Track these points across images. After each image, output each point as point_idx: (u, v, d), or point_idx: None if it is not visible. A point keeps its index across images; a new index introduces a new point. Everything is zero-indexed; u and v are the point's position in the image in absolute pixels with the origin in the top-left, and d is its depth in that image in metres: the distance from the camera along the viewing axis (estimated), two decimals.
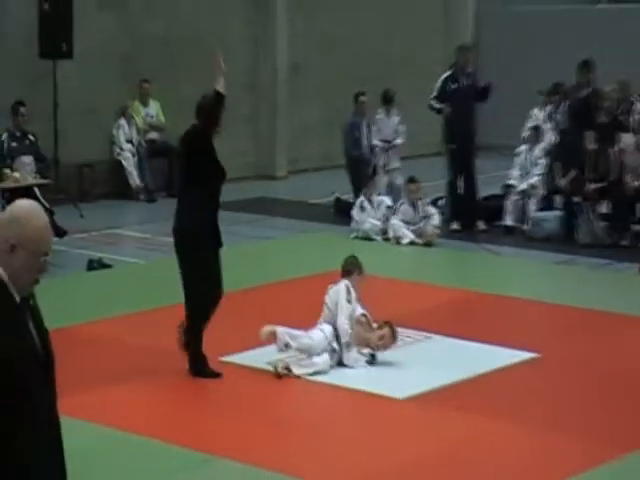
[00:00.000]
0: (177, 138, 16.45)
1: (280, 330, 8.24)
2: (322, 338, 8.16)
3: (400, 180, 13.92)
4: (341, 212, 13.93)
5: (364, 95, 14.50)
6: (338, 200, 14.45)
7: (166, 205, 15.02)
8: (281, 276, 10.96)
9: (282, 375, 7.98)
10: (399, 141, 14.51)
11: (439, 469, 6.53)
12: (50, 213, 11.89)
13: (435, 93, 13.50)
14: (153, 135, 15.79)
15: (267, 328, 8.30)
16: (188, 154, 8.17)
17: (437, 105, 13.38)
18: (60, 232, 11.95)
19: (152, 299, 10.15)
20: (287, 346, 8.16)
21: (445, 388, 7.83)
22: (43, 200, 11.81)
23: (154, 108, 15.75)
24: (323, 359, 8.12)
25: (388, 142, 14.29)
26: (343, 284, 8.37)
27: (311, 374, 8.03)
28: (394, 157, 14.46)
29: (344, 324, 8.22)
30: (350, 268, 8.51)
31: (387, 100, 14.41)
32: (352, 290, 8.36)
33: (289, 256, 12.18)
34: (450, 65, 13.93)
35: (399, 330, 8.69)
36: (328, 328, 8.25)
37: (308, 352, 8.10)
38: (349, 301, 8.31)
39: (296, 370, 8.02)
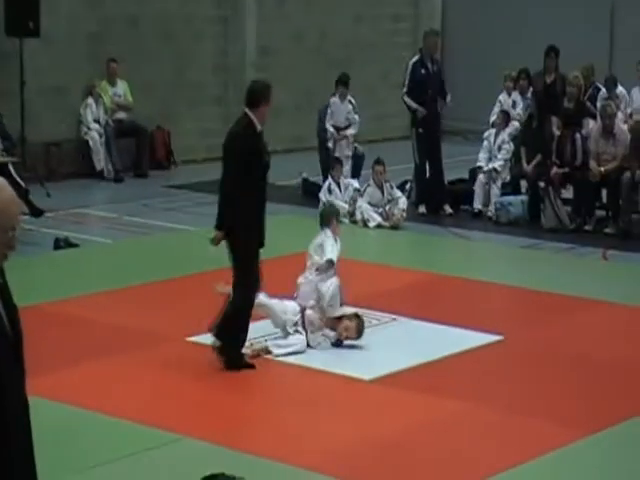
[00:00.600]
0: (145, 118, 16.49)
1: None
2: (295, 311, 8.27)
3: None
4: (309, 194, 13.97)
5: (345, 85, 14.50)
6: (305, 181, 14.49)
7: (133, 185, 15.02)
8: None
9: (259, 355, 8.03)
10: (351, 132, 14.17)
11: (405, 449, 6.61)
12: (25, 192, 11.83)
13: (406, 88, 13.47)
14: (121, 115, 15.74)
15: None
16: (242, 153, 7.91)
17: (413, 104, 13.36)
18: (36, 212, 11.89)
19: (119, 278, 10.15)
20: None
21: (411, 370, 7.91)
22: (19, 179, 11.76)
23: (122, 88, 15.70)
24: (300, 339, 8.17)
25: (339, 129, 14.08)
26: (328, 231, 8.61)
27: (289, 353, 8.08)
28: (345, 146, 14.15)
29: (325, 286, 8.33)
30: (329, 217, 8.77)
31: (342, 82, 14.02)
32: (338, 239, 8.67)
33: None
34: (419, 49, 13.99)
35: (366, 312, 8.78)
36: (293, 307, 8.30)
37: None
38: (335, 240, 8.63)
39: (276, 350, 8.08)
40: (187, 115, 16.55)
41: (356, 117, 14.01)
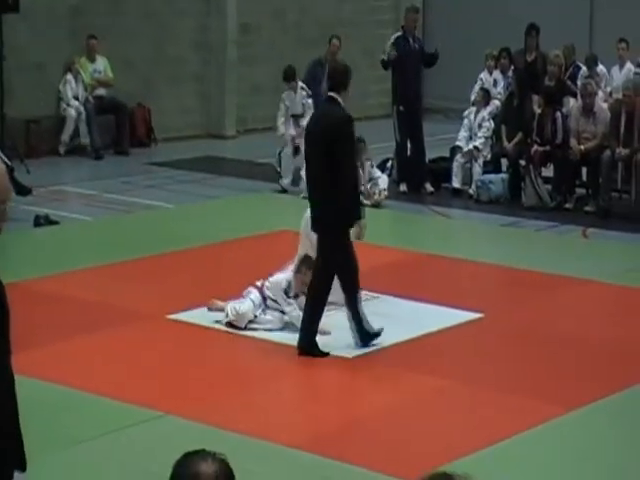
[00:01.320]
0: (125, 95, 16.37)
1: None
2: (250, 309, 8.19)
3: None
4: None
5: (337, 39, 14.38)
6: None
7: (113, 162, 14.95)
8: (228, 235, 10.98)
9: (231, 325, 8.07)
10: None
11: (388, 426, 6.64)
12: (11, 170, 11.73)
13: (385, 56, 13.45)
14: (101, 91, 15.64)
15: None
16: (337, 140, 7.62)
17: (384, 56, 13.33)
18: (24, 190, 11.79)
19: (99, 256, 10.13)
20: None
21: (392, 347, 7.93)
22: (3, 156, 11.67)
23: (102, 64, 15.59)
24: (273, 316, 8.17)
25: (298, 117, 13.47)
26: None
27: (266, 330, 8.09)
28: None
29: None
30: None
31: (288, 78, 13.48)
32: None
33: (237, 215, 12.19)
34: (401, 26, 13.96)
35: None
36: (257, 296, 8.27)
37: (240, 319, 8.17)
38: None
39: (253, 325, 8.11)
40: (167, 92, 16.47)
41: (309, 101, 13.39)
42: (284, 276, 8.32)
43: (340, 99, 7.81)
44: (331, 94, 7.84)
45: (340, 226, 7.70)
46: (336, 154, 7.55)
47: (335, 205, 7.62)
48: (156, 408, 6.74)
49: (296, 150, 13.03)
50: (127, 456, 6.19)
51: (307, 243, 8.43)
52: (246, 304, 8.18)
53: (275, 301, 8.25)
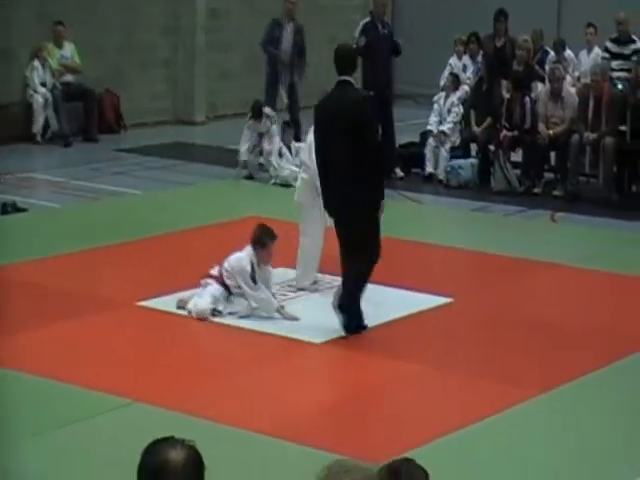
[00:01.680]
0: (93, 81, 16.23)
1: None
2: (208, 305, 8.12)
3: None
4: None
5: None
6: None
7: (82, 149, 14.85)
8: (198, 222, 10.95)
9: (206, 318, 8.03)
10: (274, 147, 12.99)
11: (357, 411, 6.66)
12: None
13: (355, 45, 13.43)
14: (68, 78, 15.52)
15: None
16: (360, 120, 7.66)
17: (353, 44, 13.29)
18: None
19: (68, 243, 10.07)
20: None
21: (362, 333, 7.94)
22: None
23: (69, 50, 15.46)
24: (240, 303, 8.15)
25: (262, 134, 13.07)
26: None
27: (237, 316, 8.07)
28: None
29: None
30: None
31: (255, 115, 13.00)
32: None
33: (206, 202, 12.15)
34: (370, 12, 13.94)
35: (318, 276, 8.81)
36: (217, 288, 8.20)
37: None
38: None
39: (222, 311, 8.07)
40: (136, 78, 16.37)
41: (274, 128, 12.99)
42: (245, 258, 8.11)
43: (352, 80, 7.87)
44: (343, 77, 7.86)
45: (373, 204, 7.81)
46: (362, 135, 7.64)
47: (366, 184, 7.72)
48: (125, 396, 6.72)
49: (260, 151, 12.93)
50: (96, 444, 6.18)
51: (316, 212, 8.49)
52: (204, 300, 8.05)
53: (239, 287, 8.17)
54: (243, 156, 13.02)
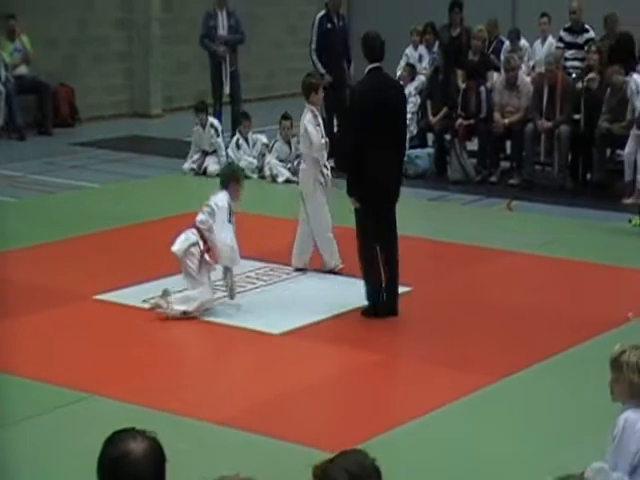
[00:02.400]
0: (47, 74, 16.06)
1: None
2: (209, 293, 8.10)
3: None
4: None
5: None
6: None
7: (36, 143, 14.73)
8: (154, 215, 10.91)
9: (159, 308, 7.98)
10: (215, 167, 12.61)
11: (319, 401, 6.68)
12: None
13: (314, 44, 13.37)
14: (22, 70, 15.36)
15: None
16: (404, 108, 8.16)
17: (320, 68, 13.25)
18: None
19: (24, 237, 9.99)
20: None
21: (321, 322, 7.96)
22: None
23: (22, 42, 15.29)
24: (200, 292, 8.09)
25: (207, 153, 12.93)
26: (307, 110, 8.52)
27: (195, 309, 8.03)
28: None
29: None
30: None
31: (198, 110, 12.91)
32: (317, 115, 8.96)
33: (163, 195, 12.11)
34: (325, 4, 13.92)
35: (276, 267, 8.81)
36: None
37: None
38: (318, 125, 8.83)
39: (176, 306, 8.02)
40: (91, 71, 16.25)
41: (219, 140, 12.88)
42: (224, 198, 8.05)
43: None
44: (376, 64, 8.01)
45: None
46: (403, 119, 8.14)
47: (401, 170, 8.32)
48: (83, 389, 6.69)
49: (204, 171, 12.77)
50: (55, 437, 6.14)
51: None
52: (200, 290, 7.98)
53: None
54: (187, 166, 12.92)
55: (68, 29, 15.94)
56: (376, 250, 8.08)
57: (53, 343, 7.56)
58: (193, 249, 7.98)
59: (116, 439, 2.86)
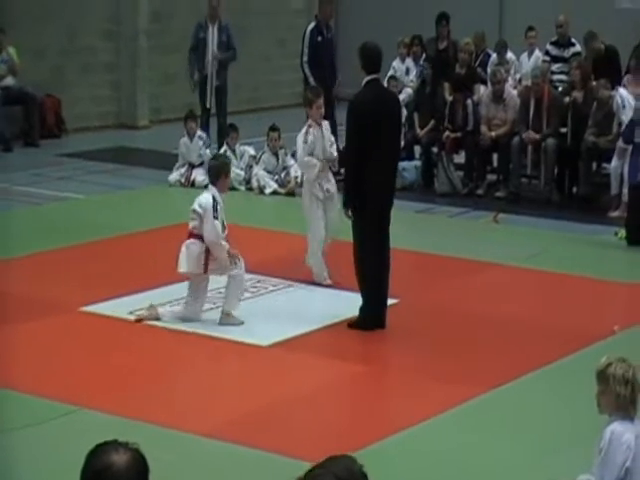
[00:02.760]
0: (34, 85, 16.00)
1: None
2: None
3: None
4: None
5: None
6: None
7: (23, 154, 14.68)
8: (142, 226, 10.89)
9: (145, 319, 7.97)
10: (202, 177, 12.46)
11: (307, 412, 6.67)
12: None
13: (306, 57, 13.39)
14: (8, 82, 15.33)
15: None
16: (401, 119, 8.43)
17: (311, 79, 13.27)
18: None
19: (11, 248, 9.94)
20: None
21: (308, 334, 7.96)
22: None
23: (9, 53, 15.25)
24: (189, 308, 8.11)
25: (194, 166, 12.93)
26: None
27: (180, 321, 8.01)
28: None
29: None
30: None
31: (186, 118, 12.93)
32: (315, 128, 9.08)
33: (150, 206, 12.09)
34: (315, 16, 13.95)
35: (263, 279, 8.80)
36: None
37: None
38: (306, 142, 8.98)
39: (165, 318, 8.01)
40: (78, 82, 16.23)
41: (207, 152, 12.83)
42: (207, 196, 8.06)
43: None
44: (374, 76, 8.09)
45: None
46: (400, 130, 8.36)
47: (395, 179, 8.55)
48: (71, 402, 6.65)
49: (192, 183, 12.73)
50: (42, 451, 6.11)
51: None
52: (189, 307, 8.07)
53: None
54: (174, 177, 12.87)
55: (55, 40, 15.93)
56: (374, 266, 8.07)
57: (39, 355, 7.52)
58: (201, 257, 8.01)
59: (99, 451, 2.85)
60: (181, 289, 8.56)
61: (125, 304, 8.39)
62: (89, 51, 16.39)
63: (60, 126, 15.90)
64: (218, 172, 8.20)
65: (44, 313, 8.21)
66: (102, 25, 16.53)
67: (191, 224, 8.11)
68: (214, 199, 8.03)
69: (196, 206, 8.07)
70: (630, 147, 11.02)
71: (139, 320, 8.00)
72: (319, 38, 13.38)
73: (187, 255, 8.05)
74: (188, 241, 8.10)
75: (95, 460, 2.82)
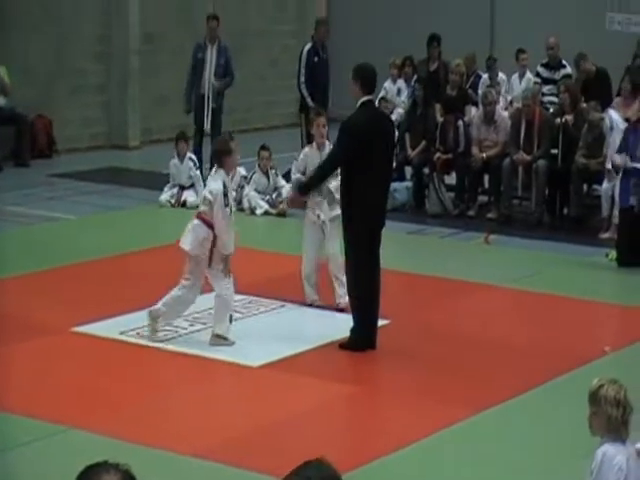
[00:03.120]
0: (25, 106, 16.00)
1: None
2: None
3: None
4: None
5: (214, 19, 13.97)
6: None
7: (14, 174, 14.67)
8: (133, 247, 10.88)
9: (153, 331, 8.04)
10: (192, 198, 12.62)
11: (297, 433, 6.64)
12: None
13: (303, 77, 13.43)
14: (0, 102, 15.34)
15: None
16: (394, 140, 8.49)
17: (309, 101, 13.29)
18: None
19: (1, 269, 9.91)
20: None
21: (300, 355, 7.94)
22: None
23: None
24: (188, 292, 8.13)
25: (184, 188, 12.94)
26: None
27: (170, 340, 7.99)
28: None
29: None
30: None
31: (178, 139, 13.03)
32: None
33: (141, 227, 12.08)
34: (311, 37, 13.98)
35: (255, 299, 8.78)
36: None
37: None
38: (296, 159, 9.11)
39: (164, 309, 8.07)
40: (69, 103, 16.24)
41: (197, 173, 12.82)
42: (217, 179, 8.13)
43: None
44: (369, 97, 8.13)
45: None
46: (393, 151, 8.40)
47: (387, 198, 8.62)
48: (60, 422, 6.63)
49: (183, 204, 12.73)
50: (32, 471, 6.08)
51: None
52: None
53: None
54: (164, 197, 12.88)
55: (46, 61, 15.94)
56: (366, 287, 8.06)
57: (30, 375, 7.49)
58: (204, 242, 8.05)
59: (89, 472, 2.83)
60: None
61: (116, 325, 8.37)
62: (80, 72, 16.40)
63: (51, 146, 15.90)
64: (220, 154, 8.28)
65: (35, 334, 8.17)
66: (93, 46, 16.55)
67: (202, 207, 8.21)
68: (224, 185, 8.10)
69: (206, 193, 8.18)
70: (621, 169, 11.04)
71: (153, 332, 8.02)
72: (315, 59, 13.43)
73: (193, 235, 8.08)
74: (195, 222, 8.16)
75: None
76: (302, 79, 13.41)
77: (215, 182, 8.11)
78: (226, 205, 8.02)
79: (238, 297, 8.83)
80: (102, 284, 9.61)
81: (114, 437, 6.37)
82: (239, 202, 12.91)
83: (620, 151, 10.96)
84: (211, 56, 13.80)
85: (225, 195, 8.03)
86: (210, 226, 8.03)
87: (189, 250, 8.05)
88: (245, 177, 13.09)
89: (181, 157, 13.02)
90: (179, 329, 8.34)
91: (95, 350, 8.00)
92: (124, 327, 8.30)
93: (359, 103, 8.14)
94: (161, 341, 8.07)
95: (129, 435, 6.42)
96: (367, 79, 8.08)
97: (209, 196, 8.05)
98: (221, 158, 8.21)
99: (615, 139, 11.57)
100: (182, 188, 12.98)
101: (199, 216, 8.14)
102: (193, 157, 13.14)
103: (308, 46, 13.65)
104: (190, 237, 8.06)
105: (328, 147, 9.22)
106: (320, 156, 9.10)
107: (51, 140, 15.91)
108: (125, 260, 10.46)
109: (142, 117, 16.96)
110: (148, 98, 17.02)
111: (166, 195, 12.95)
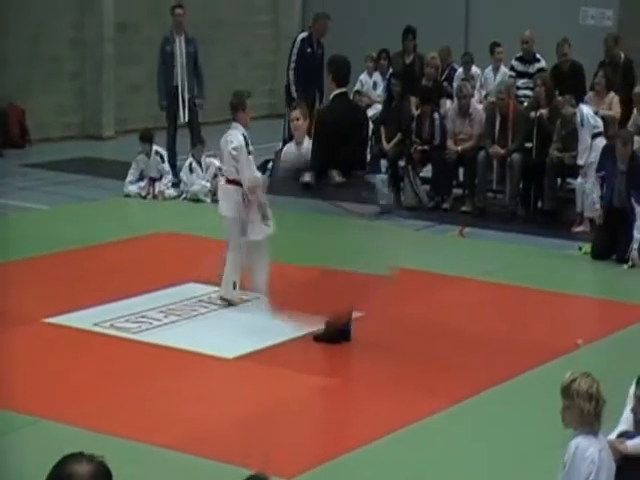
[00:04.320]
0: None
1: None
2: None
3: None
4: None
5: (180, 8, 13.84)
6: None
7: None
8: (107, 237, 10.82)
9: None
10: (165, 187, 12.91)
11: (272, 424, 6.65)
12: None
13: (293, 64, 13.28)
14: None
15: None
16: (364, 129, 8.35)
17: (293, 88, 13.20)
18: None
19: None
20: None
21: (273, 347, 7.93)
22: None
23: None
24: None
25: (154, 180, 12.93)
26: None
27: (144, 331, 7.98)
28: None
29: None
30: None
31: (144, 139, 13.01)
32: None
33: (115, 217, 12.03)
34: (308, 27, 13.81)
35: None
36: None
37: None
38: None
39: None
40: (42, 91, 16.12)
41: (165, 166, 12.97)
42: (236, 134, 8.54)
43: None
44: (343, 89, 8.11)
45: None
46: (363, 141, 8.29)
47: None
48: (32, 413, 6.59)
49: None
50: (2, 461, 6.03)
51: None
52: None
53: None
54: (128, 188, 12.83)
55: (19, 49, 15.82)
56: None
57: (1, 366, 7.44)
58: (239, 203, 8.47)
59: (62, 463, 2.85)
60: (146, 302, 8.55)
61: (89, 316, 8.33)
62: (53, 60, 16.28)
63: (24, 136, 15.79)
64: (235, 107, 8.69)
65: (7, 324, 8.12)
66: (67, 33, 16.42)
67: (225, 167, 8.64)
68: (244, 137, 8.53)
69: (230, 148, 8.53)
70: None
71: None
72: (309, 49, 13.28)
73: (226, 201, 8.56)
74: (224, 187, 8.64)
75: (58, 470, 2.82)
76: (292, 65, 13.29)
77: (235, 138, 8.53)
78: (249, 153, 8.50)
79: (212, 289, 8.81)
80: (75, 275, 9.57)
81: (87, 428, 6.34)
82: (214, 193, 12.87)
83: (599, 170, 11.02)
84: (180, 46, 13.68)
85: (247, 144, 8.49)
86: (240, 185, 8.46)
87: (227, 215, 8.53)
88: (220, 168, 13.04)
89: (147, 154, 12.96)
90: (153, 321, 8.32)
91: (68, 341, 7.96)
92: (98, 318, 8.27)
93: (332, 96, 8.12)
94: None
95: (102, 426, 6.39)
96: (340, 72, 8.06)
97: (234, 152, 8.46)
98: (237, 112, 8.59)
99: (585, 136, 11.63)
100: (153, 180, 12.93)
101: (228, 180, 8.56)
102: (160, 151, 13.07)
103: (303, 35, 13.41)
104: (225, 203, 8.54)
105: (307, 142, 9.18)
106: (298, 150, 9.05)
107: (24, 130, 15.80)
108: (99, 251, 10.41)
109: (116, 105, 16.86)
110: (122, 86, 16.93)
111: (134, 187, 12.87)
